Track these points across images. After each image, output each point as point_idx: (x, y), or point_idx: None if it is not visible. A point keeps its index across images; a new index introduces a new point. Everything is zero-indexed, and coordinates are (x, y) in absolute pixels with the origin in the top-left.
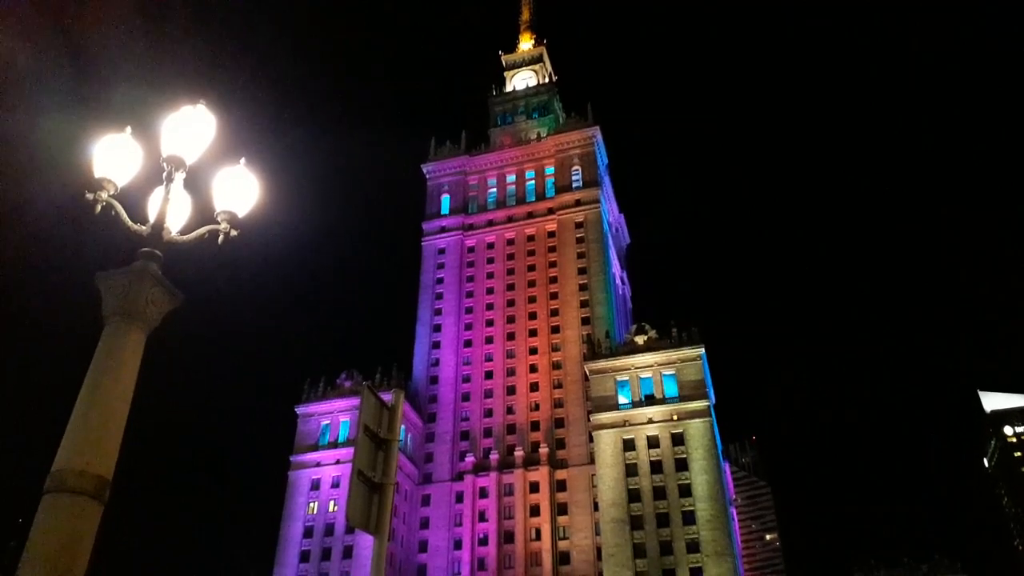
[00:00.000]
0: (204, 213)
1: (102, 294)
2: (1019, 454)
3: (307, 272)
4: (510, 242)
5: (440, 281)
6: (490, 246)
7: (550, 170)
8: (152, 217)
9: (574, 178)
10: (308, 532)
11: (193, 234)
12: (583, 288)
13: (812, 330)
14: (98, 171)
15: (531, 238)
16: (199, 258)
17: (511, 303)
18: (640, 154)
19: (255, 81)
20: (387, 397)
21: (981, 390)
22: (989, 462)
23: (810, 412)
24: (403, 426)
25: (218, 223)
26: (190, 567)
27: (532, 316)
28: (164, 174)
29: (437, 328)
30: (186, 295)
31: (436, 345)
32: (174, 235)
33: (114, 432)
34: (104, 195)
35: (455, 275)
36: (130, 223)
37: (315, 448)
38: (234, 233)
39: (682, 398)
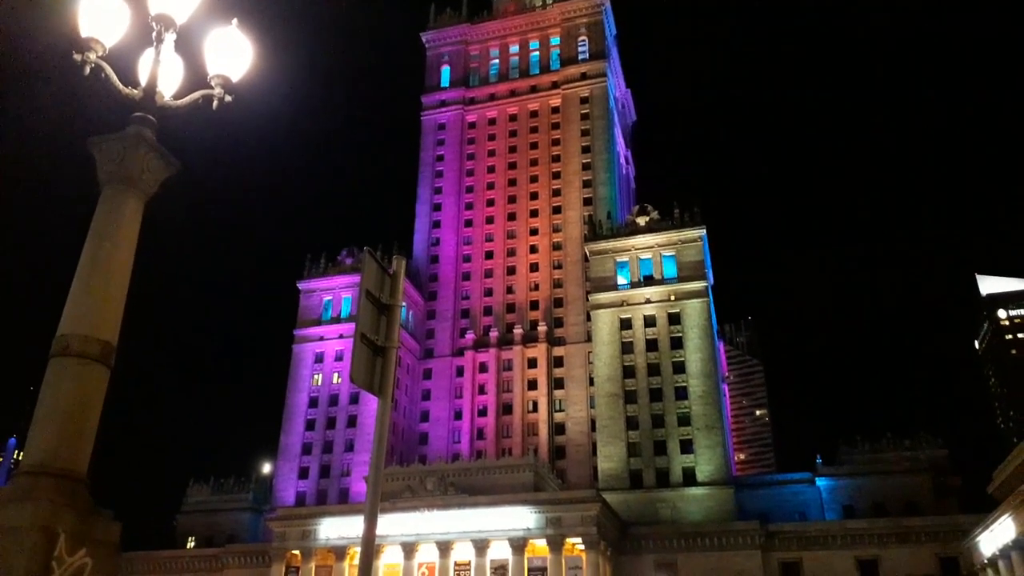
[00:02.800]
0: (197, 78)
1: (96, 160)
2: (1010, 336)
3: (306, 147)
4: (512, 118)
5: (440, 159)
6: (491, 122)
7: (555, 40)
8: (144, 80)
9: (580, 49)
10: (313, 402)
11: (186, 99)
12: (586, 168)
13: (813, 212)
14: (85, 30)
15: (534, 114)
16: (194, 125)
17: (512, 183)
18: (650, 24)
19: None
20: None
21: (979, 273)
22: (980, 344)
23: (807, 293)
24: (404, 303)
25: (212, 88)
26: (200, 435)
27: (533, 196)
28: (153, 34)
29: (437, 207)
30: (182, 163)
31: (436, 224)
32: (167, 100)
33: (117, 298)
34: (92, 56)
35: (455, 152)
36: (121, 86)
37: (318, 323)
38: (228, 99)
39: (680, 279)
